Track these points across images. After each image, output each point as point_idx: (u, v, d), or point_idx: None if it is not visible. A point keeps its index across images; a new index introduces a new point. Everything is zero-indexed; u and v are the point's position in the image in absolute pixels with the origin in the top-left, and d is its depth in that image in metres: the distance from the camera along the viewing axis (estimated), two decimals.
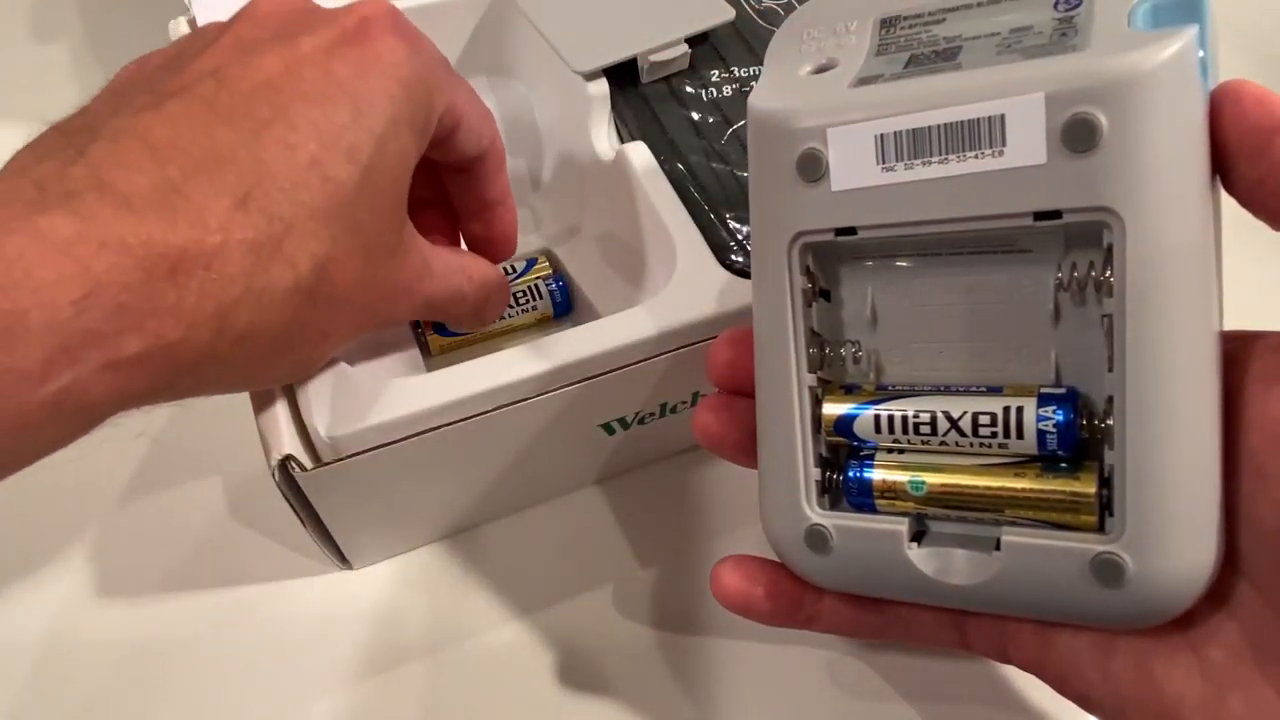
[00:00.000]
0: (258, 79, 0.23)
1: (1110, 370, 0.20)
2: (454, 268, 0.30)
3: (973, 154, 0.20)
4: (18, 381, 0.18)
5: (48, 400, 0.19)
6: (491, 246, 0.33)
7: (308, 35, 0.24)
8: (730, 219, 0.33)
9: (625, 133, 0.36)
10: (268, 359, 0.24)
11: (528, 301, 0.36)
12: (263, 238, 0.22)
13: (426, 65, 0.26)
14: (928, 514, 0.23)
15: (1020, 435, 0.21)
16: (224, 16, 0.37)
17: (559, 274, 0.36)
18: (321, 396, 0.28)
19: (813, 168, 0.21)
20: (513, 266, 0.36)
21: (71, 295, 0.19)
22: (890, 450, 0.23)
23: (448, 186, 0.32)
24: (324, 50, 0.24)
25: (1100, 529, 0.21)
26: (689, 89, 0.37)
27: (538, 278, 0.36)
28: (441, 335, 0.34)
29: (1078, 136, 0.19)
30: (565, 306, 0.36)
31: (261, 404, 0.28)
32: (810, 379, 0.23)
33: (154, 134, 0.21)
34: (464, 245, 0.34)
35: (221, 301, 0.21)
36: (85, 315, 0.19)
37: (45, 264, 0.19)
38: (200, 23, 0.37)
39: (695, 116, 0.36)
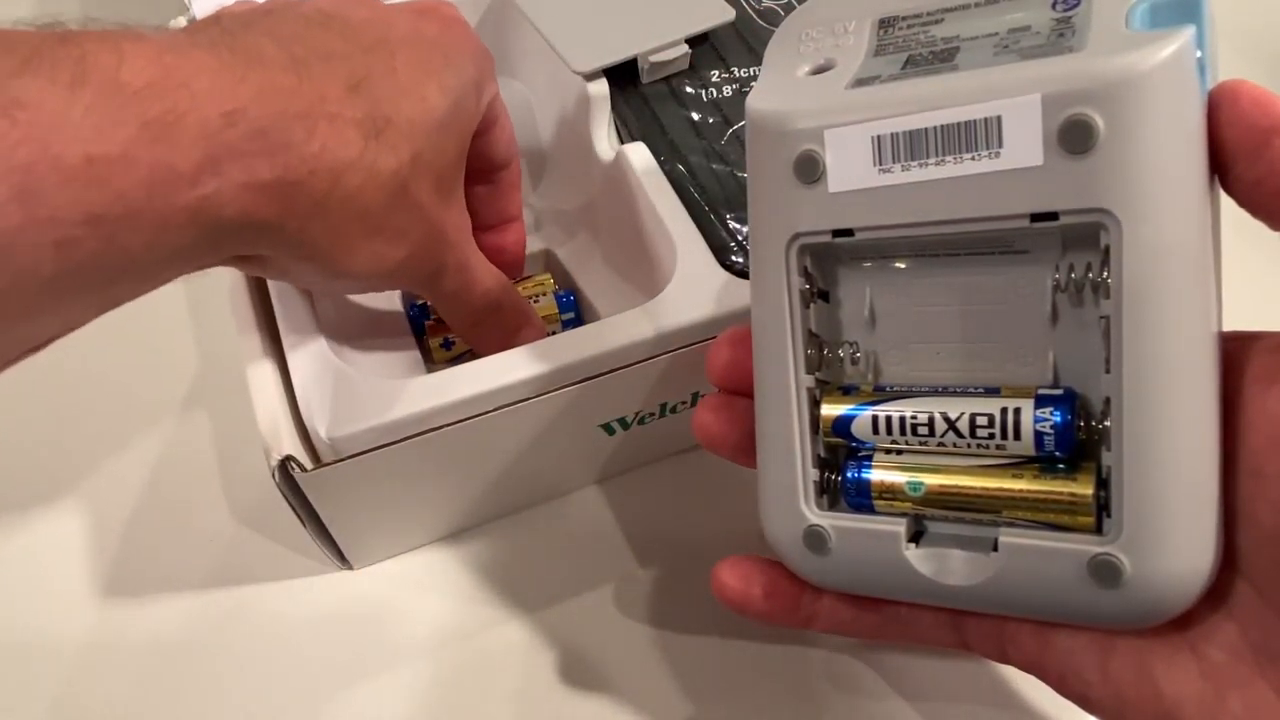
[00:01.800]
0: (361, 18, 0.26)
1: (1108, 371, 0.20)
2: (490, 268, 0.31)
3: (969, 155, 0.20)
4: (172, 180, 0.20)
5: (191, 205, 0.21)
6: (504, 261, 0.34)
7: (387, 7, 0.28)
8: (730, 219, 0.33)
9: (625, 133, 0.36)
10: (361, 234, 0.25)
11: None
12: (368, 120, 0.24)
13: (485, 52, 0.30)
14: (926, 515, 0.23)
15: (1018, 436, 0.21)
16: None
17: (568, 290, 0.36)
18: (321, 397, 0.28)
19: (810, 169, 0.21)
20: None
21: (223, 107, 0.21)
22: (888, 451, 0.23)
23: (469, 198, 0.33)
24: (410, 13, 0.28)
25: (1098, 530, 0.21)
26: (689, 89, 0.37)
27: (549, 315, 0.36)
28: (446, 350, 0.34)
29: (1074, 138, 0.19)
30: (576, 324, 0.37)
31: (261, 404, 0.28)
32: (808, 380, 0.23)
33: (278, 30, 0.24)
34: None
35: (339, 159, 0.23)
36: (231, 130, 0.21)
37: (199, 77, 0.21)
38: None
39: (695, 116, 0.36)
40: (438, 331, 0.34)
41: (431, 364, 0.34)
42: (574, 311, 0.36)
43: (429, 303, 0.34)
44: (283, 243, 0.24)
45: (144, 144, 0.19)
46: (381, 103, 0.25)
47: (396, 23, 0.27)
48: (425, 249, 0.28)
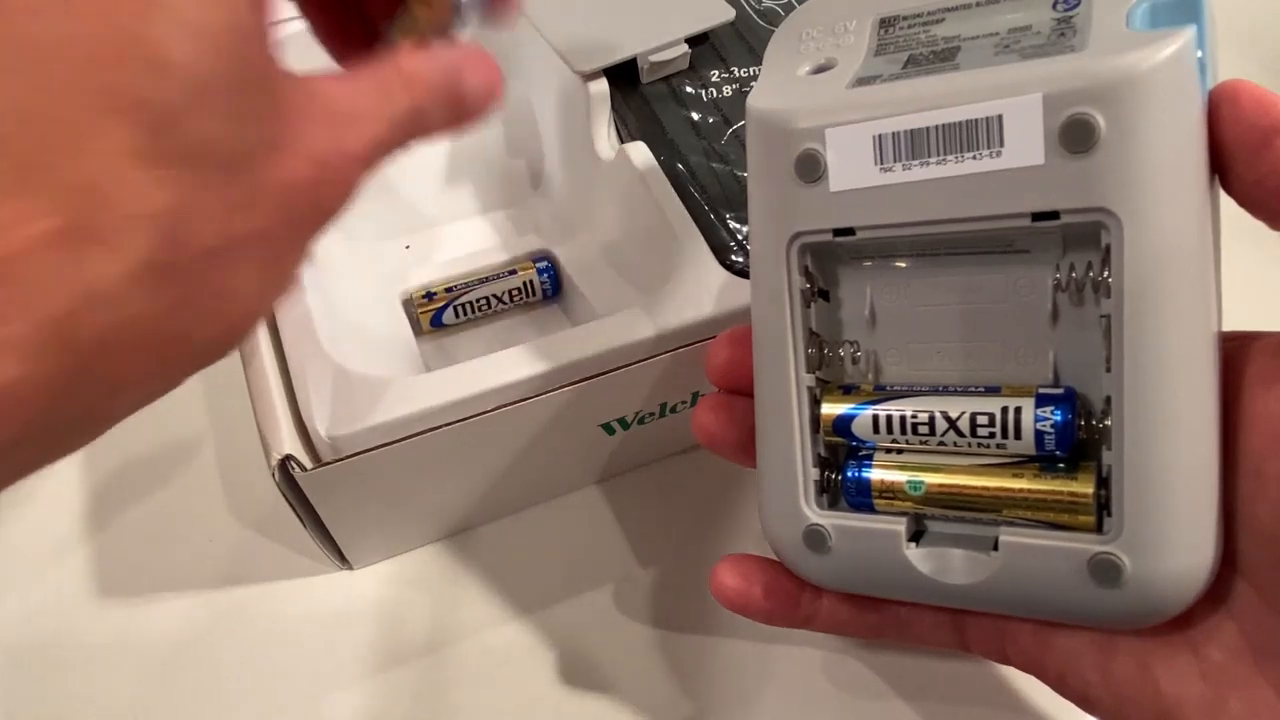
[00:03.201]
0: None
1: (1108, 371, 0.20)
2: (383, 84, 0.20)
3: (970, 154, 0.20)
4: None
5: None
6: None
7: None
8: (730, 219, 0.33)
9: (625, 133, 0.36)
10: (174, 343, 0.17)
11: (521, 298, 0.37)
12: (67, 223, 0.15)
13: None
14: (926, 514, 0.23)
15: (1018, 435, 0.21)
16: None
17: (546, 258, 0.38)
18: (321, 396, 0.28)
19: (811, 168, 0.21)
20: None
21: None
22: (889, 450, 0.23)
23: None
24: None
25: (1098, 529, 0.21)
26: (689, 89, 0.37)
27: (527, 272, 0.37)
28: (435, 328, 0.36)
29: (1075, 137, 0.19)
30: (554, 289, 0.38)
31: (261, 404, 0.28)
32: (809, 379, 0.23)
33: None
34: None
35: (48, 317, 0.15)
36: None
37: None
38: None
39: (695, 116, 0.36)
40: None
41: (420, 334, 0.36)
42: (552, 282, 0.38)
43: None
44: (85, 425, 0.17)
45: None
46: (70, 175, 0.15)
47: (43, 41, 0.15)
48: (303, 220, 0.19)
